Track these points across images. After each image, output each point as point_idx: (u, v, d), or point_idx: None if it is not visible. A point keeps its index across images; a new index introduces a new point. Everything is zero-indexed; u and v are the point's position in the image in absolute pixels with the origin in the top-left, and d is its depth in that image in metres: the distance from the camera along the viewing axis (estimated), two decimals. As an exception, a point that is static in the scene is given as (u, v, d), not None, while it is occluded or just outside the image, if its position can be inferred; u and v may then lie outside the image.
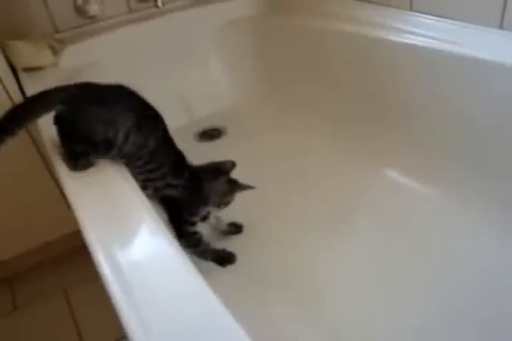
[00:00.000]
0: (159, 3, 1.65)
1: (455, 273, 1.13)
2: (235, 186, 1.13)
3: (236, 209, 1.33)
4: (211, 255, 1.19)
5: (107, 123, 0.90)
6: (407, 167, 1.41)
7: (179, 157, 1.06)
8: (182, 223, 1.12)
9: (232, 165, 1.14)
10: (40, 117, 0.90)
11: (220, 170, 1.12)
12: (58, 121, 0.91)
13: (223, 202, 1.14)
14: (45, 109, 0.90)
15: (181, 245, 1.11)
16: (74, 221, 1.45)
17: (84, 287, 1.44)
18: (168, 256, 0.71)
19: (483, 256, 1.17)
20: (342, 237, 1.28)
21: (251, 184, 1.12)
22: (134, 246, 0.75)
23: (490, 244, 1.19)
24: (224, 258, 1.21)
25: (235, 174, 1.15)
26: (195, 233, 1.15)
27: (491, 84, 1.15)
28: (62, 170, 0.92)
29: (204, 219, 1.22)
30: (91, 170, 0.92)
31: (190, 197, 1.09)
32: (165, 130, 1.02)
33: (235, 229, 1.31)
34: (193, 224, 1.14)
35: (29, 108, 0.90)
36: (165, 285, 0.66)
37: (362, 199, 1.39)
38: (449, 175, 1.32)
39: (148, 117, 0.98)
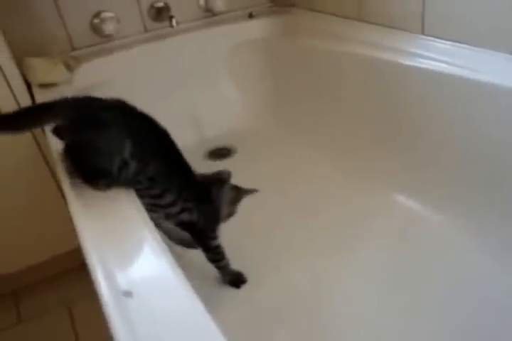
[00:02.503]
0: (173, 23, 1.68)
1: (460, 297, 1.12)
2: (240, 192, 1.11)
3: (241, 229, 1.33)
4: (229, 271, 1.19)
5: (104, 155, 0.87)
6: (416, 192, 1.40)
7: (188, 178, 1.01)
8: (206, 239, 1.11)
9: (228, 175, 1.11)
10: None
11: (219, 179, 1.10)
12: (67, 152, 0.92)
13: (232, 211, 1.12)
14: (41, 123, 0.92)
15: (207, 258, 1.13)
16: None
17: (88, 302, 1.44)
18: (168, 279, 0.70)
19: (486, 283, 1.15)
20: (348, 261, 1.26)
21: (257, 203, 1.11)
22: (134, 268, 0.75)
23: (494, 271, 1.17)
24: (238, 278, 1.21)
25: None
26: (219, 246, 1.13)
27: (504, 109, 1.14)
28: (67, 188, 0.92)
29: None
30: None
31: (205, 214, 1.06)
32: (171, 150, 0.98)
33: None
34: (216, 237, 1.12)
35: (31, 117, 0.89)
36: (164, 309, 0.65)
37: (369, 223, 1.37)
38: (458, 201, 1.30)
39: (148, 141, 0.92)
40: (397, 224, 1.36)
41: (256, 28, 1.78)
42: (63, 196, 1.39)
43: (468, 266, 1.20)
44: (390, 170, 1.46)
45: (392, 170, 1.46)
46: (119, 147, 0.87)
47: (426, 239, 1.29)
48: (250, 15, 1.82)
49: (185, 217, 1.03)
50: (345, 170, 1.56)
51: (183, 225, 1.07)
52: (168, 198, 0.97)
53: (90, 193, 0.90)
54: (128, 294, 0.67)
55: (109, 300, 0.65)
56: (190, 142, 1.76)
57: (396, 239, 1.31)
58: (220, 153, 1.76)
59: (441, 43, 1.30)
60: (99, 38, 1.67)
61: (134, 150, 0.87)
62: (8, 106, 1.26)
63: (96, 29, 1.65)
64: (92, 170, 0.89)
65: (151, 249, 0.77)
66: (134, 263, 0.76)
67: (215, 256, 1.14)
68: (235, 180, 1.14)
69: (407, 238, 1.31)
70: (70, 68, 1.49)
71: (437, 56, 1.27)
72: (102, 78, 1.58)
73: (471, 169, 1.27)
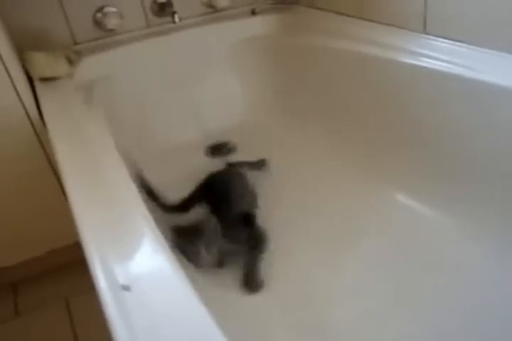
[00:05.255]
0: (176, 19, 1.68)
1: (459, 296, 1.12)
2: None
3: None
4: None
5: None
6: (415, 190, 1.40)
7: None
8: None
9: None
10: None
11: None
12: None
13: None
14: None
15: None
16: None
17: (86, 296, 1.44)
18: (166, 273, 0.71)
19: (487, 284, 1.15)
20: (345, 258, 1.27)
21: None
22: (133, 262, 0.75)
23: (495, 269, 1.17)
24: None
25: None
26: None
27: (504, 108, 1.14)
28: (68, 182, 0.93)
29: None
30: (99, 185, 0.92)
31: None
32: None
33: None
34: None
35: None
36: (161, 304, 0.65)
37: (369, 220, 1.37)
38: (457, 200, 1.30)
39: None
40: (397, 222, 1.36)
41: (258, 25, 1.77)
42: (62, 189, 1.40)
43: (467, 262, 1.20)
44: (390, 168, 1.47)
45: (395, 167, 1.46)
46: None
47: (426, 237, 1.30)
48: (253, 12, 1.81)
49: None
50: (345, 166, 1.56)
51: None
52: None
53: (90, 187, 0.91)
54: (126, 288, 0.67)
55: (107, 293, 0.65)
56: (191, 137, 1.77)
57: (394, 237, 1.31)
58: (221, 148, 1.76)
59: (443, 42, 1.30)
60: (102, 33, 1.67)
61: None
62: (10, 100, 1.27)
63: (98, 23, 1.65)
64: None
65: (150, 243, 0.78)
66: (132, 257, 0.76)
67: None
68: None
69: (407, 235, 1.31)
70: (71, 62, 1.49)
71: (439, 55, 1.27)
72: (104, 73, 1.59)
73: (473, 169, 1.27)
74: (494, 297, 1.11)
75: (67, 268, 1.51)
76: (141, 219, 0.83)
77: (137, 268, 0.74)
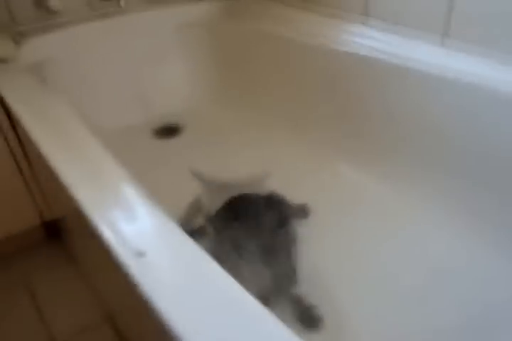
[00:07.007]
0: (122, 3, 1.68)
1: (406, 264, 1.21)
2: None
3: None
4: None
5: None
6: (361, 162, 1.49)
7: None
8: None
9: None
10: None
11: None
12: None
13: None
14: None
15: None
16: (37, 214, 1.45)
17: (48, 278, 1.44)
18: (169, 233, 0.78)
19: (434, 248, 1.24)
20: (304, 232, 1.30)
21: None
22: (138, 228, 0.80)
23: (437, 235, 1.27)
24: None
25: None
26: None
27: (436, 95, 1.26)
28: (54, 161, 0.96)
29: None
30: (84, 161, 0.97)
31: None
32: None
33: None
34: None
35: None
36: (177, 264, 0.72)
37: (314, 193, 1.42)
38: (401, 171, 1.40)
39: None
40: (342, 193, 1.43)
41: (204, 11, 1.81)
42: (21, 172, 1.38)
43: (415, 233, 1.29)
44: (336, 141, 1.55)
45: (340, 141, 1.55)
46: None
47: (372, 208, 1.38)
48: (199, -3, 1.83)
49: None
50: (294, 145, 1.64)
51: None
52: None
53: (76, 164, 0.95)
54: (141, 254, 0.72)
55: (128, 262, 0.70)
56: (136, 121, 1.78)
57: (342, 207, 1.38)
58: (168, 132, 1.80)
59: (379, 32, 1.41)
60: (44, 15, 1.62)
61: None
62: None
63: (39, 5, 1.61)
64: None
65: (144, 207, 0.84)
66: (136, 223, 0.82)
67: None
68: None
69: (352, 205, 1.39)
70: (17, 44, 1.46)
71: (378, 45, 1.38)
72: (48, 55, 1.56)
73: (411, 144, 1.37)
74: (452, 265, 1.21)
75: (24, 252, 1.50)
76: (127, 184, 0.89)
77: (144, 233, 0.79)
